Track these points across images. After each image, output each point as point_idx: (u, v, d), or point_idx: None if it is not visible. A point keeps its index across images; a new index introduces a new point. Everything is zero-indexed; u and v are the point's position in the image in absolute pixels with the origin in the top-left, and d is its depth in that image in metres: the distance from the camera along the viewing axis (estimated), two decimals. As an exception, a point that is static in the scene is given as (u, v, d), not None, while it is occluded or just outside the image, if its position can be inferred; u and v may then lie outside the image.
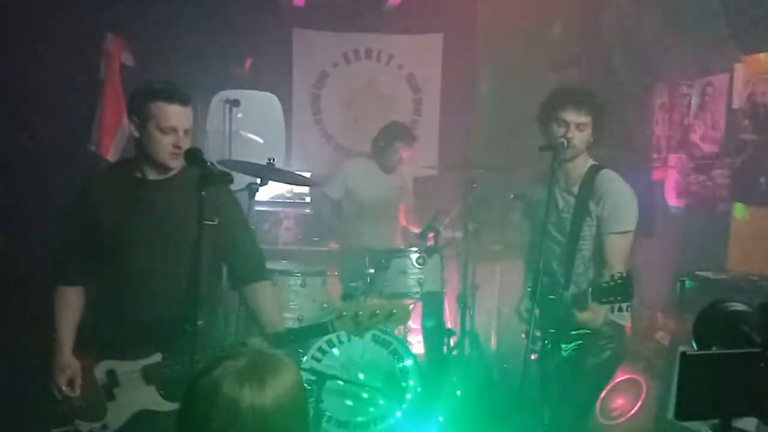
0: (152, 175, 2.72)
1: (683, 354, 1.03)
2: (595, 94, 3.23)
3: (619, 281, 2.76)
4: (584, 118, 3.10)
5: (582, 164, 3.22)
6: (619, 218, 3.10)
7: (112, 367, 2.69)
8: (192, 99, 2.72)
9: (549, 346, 3.10)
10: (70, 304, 2.77)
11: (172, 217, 2.67)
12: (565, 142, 3.09)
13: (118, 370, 2.69)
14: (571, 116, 3.09)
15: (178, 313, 2.59)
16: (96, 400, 2.69)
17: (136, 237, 2.68)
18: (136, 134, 2.68)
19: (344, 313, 2.68)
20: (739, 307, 1.22)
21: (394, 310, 2.71)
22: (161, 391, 2.66)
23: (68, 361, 2.71)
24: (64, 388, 2.67)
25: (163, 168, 2.71)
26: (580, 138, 3.12)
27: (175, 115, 2.63)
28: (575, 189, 3.19)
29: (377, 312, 2.68)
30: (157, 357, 2.66)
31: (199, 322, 2.57)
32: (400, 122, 5.28)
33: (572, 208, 3.18)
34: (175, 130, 2.63)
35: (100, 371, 2.70)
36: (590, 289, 2.86)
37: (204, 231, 2.52)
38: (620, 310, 2.92)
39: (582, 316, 2.95)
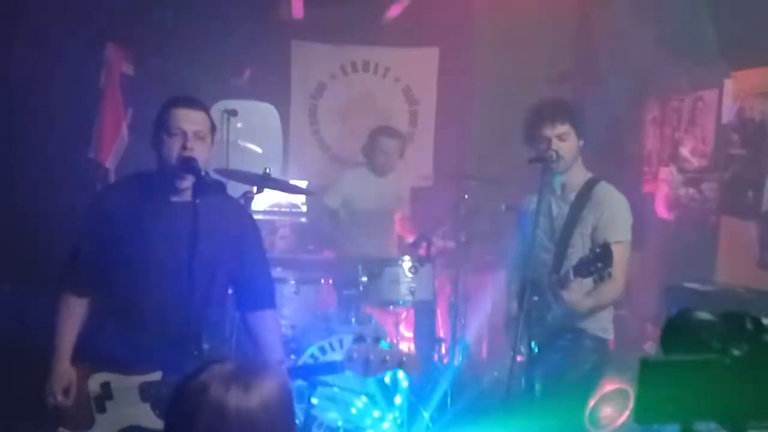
0: (174, 197, 2.65)
1: (642, 360, 1.09)
2: (565, 102, 3.31)
3: (597, 250, 2.85)
4: (562, 128, 3.17)
5: (579, 175, 3.30)
6: (616, 227, 3.17)
7: (108, 379, 2.64)
8: (204, 105, 2.69)
9: (535, 350, 3.14)
10: (74, 313, 2.71)
11: (190, 239, 2.55)
12: (554, 155, 3.16)
13: (113, 383, 2.63)
14: (548, 131, 3.17)
15: (185, 334, 2.55)
16: (85, 410, 2.64)
17: (150, 255, 2.62)
18: (155, 150, 2.64)
19: (354, 356, 2.67)
20: (704, 316, 1.27)
21: (404, 359, 2.74)
22: (156, 411, 2.59)
23: (66, 370, 2.65)
24: (59, 396, 2.62)
25: (173, 180, 2.61)
26: (566, 148, 3.19)
27: (182, 116, 2.58)
28: (572, 197, 3.27)
29: (387, 359, 2.69)
30: (156, 375, 2.61)
31: (205, 346, 2.62)
32: (386, 125, 5.31)
33: (565, 215, 3.25)
34: (183, 132, 2.56)
35: (94, 382, 2.64)
36: (572, 268, 2.95)
37: (220, 252, 2.55)
38: (602, 279, 2.90)
39: (567, 296, 3.00)
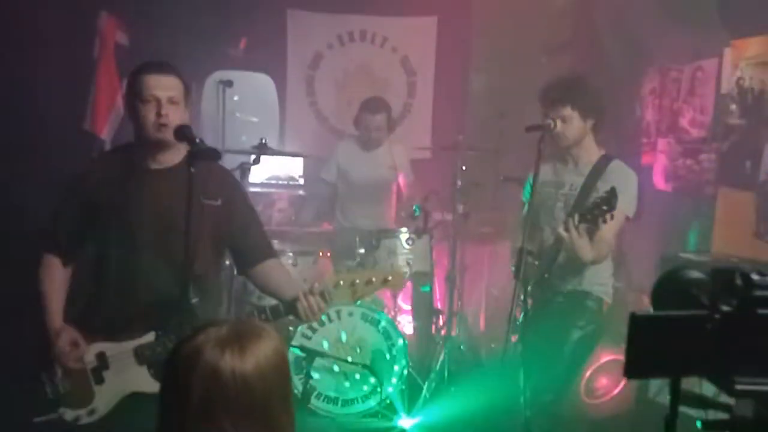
0: (154, 165, 2.68)
1: (632, 314, 1.09)
2: (572, 83, 3.34)
3: (603, 195, 2.96)
4: (563, 110, 3.28)
5: (592, 151, 3.41)
6: (624, 198, 3.19)
7: (102, 349, 2.64)
8: (176, 70, 2.66)
9: (532, 303, 3.20)
10: (56, 272, 2.72)
11: (171, 204, 2.61)
12: (551, 123, 3.27)
13: (108, 351, 2.64)
14: (552, 112, 3.29)
15: (174, 293, 2.57)
16: (83, 384, 2.63)
17: (133, 221, 2.65)
18: (128, 116, 2.67)
19: (341, 283, 2.68)
20: (695, 274, 1.27)
21: (390, 277, 2.74)
22: (152, 371, 2.61)
23: (64, 326, 2.65)
24: (67, 348, 2.60)
25: (153, 143, 2.64)
26: (569, 128, 3.30)
27: (154, 82, 2.58)
28: (586, 171, 3.37)
29: (373, 279, 2.70)
30: (150, 336, 2.63)
31: (194, 300, 2.60)
32: (377, 96, 5.23)
33: (580, 187, 3.34)
34: (156, 98, 2.57)
35: (89, 354, 2.63)
36: (576, 214, 3.04)
37: (206, 214, 2.54)
38: (596, 225, 3.02)
39: (568, 237, 3.05)
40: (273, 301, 2.81)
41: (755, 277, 1.13)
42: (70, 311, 2.72)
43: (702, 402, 1.20)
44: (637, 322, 1.10)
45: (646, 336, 1.11)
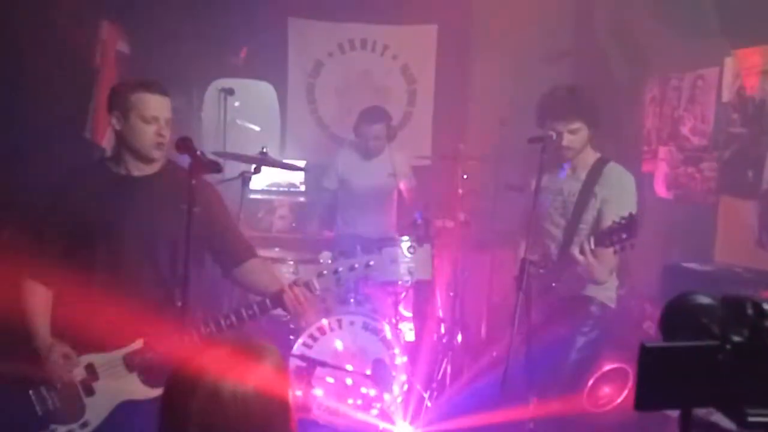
0: (136, 171, 2.75)
1: (642, 345, 1.08)
2: (580, 94, 3.34)
3: (623, 221, 2.91)
4: (575, 125, 3.28)
5: (589, 156, 3.41)
6: (627, 202, 3.22)
7: (91, 360, 2.65)
8: (169, 91, 2.75)
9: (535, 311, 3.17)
10: (39, 294, 2.72)
11: (156, 211, 2.68)
12: (554, 135, 3.26)
13: (97, 362, 2.65)
14: (561, 126, 3.27)
15: (160, 298, 2.61)
16: (73, 398, 2.63)
17: (117, 231, 2.68)
18: (118, 128, 2.70)
19: (324, 272, 2.74)
20: (704, 300, 1.26)
21: (371, 262, 2.79)
22: (143, 377, 2.63)
23: (54, 342, 2.64)
24: (60, 361, 2.60)
25: (147, 159, 2.73)
26: (577, 140, 3.31)
27: (157, 104, 2.68)
28: (583, 175, 3.37)
29: (356, 265, 2.76)
30: (138, 344, 2.64)
31: (178, 303, 2.59)
32: (377, 105, 5.24)
33: (578, 192, 3.34)
34: (156, 119, 2.67)
35: (77, 367, 2.64)
36: (592, 236, 3.02)
37: (188, 220, 2.53)
38: (623, 250, 2.96)
39: (584, 260, 3.03)
40: None
41: (767, 306, 1.12)
42: (55, 325, 2.70)
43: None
44: (647, 354, 1.09)
45: (656, 367, 1.11)
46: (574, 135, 3.29)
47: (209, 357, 1.49)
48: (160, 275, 2.66)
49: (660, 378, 1.11)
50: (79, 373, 2.64)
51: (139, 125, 2.66)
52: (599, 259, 3.04)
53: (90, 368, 2.65)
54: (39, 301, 2.72)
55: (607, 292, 3.40)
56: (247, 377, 1.47)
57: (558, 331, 3.31)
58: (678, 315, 1.26)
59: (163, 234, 2.66)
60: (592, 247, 3.00)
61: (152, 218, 2.69)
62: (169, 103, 2.73)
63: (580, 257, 3.02)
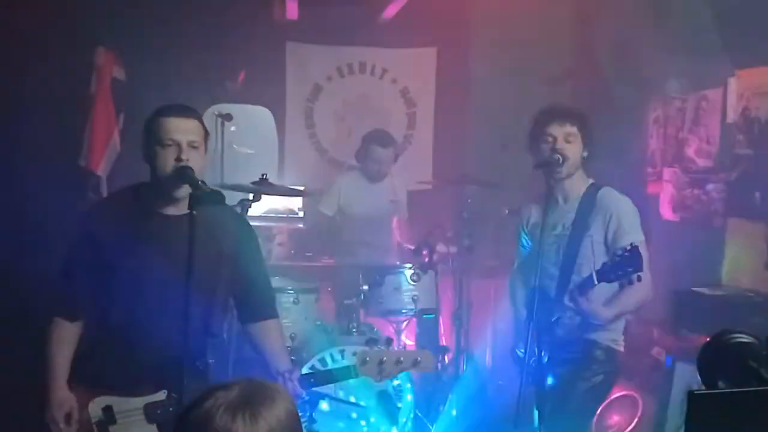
0: (169, 210, 2.58)
1: (691, 393, 1.00)
2: (577, 106, 3.28)
3: (625, 254, 2.76)
4: (570, 128, 3.15)
5: (581, 182, 3.25)
6: (630, 229, 3.10)
7: (110, 403, 2.53)
8: (197, 112, 2.61)
9: (545, 358, 3.04)
10: (66, 337, 2.59)
11: (185, 253, 2.43)
12: (560, 158, 3.10)
13: (116, 406, 2.53)
14: (557, 129, 3.14)
15: (188, 350, 2.43)
16: None
17: (146, 271, 2.54)
18: (149, 162, 2.56)
19: (368, 359, 2.64)
20: (745, 339, 1.19)
21: (419, 358, 2.70)
22: (161, 429, 2.52)
23: (65, 395, 2.54)
24: (61, 424, 2.50)
25: (171, 198, 2.54)
26: (571, 150, 3.15)
27: (174, 126, 2.50)
28: (575, 205, 3.20)
29: (401, 359, 2.66)
30: (161, 395, 2.53)
31: (210, 361, 2.53)
32: (380, 128, 5.21)
33: (571, 225, 3.18)
34: (176, 143, 2.48)
35: (95, 407, 2.53)
36: (594, 272, 2.87)
37: (221, 264, 2.48)
38: (630, 283, 2.82)
39: (587, 306, 2.93)
40: None
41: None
42: (78, 365, 2.61)
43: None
44: (696, 401, 1.01)
45: (706, 415, 1.02)
46: (568, 143, 3.13)
47: (219, 400, 1.44)
48: (190, 325, 2.43)
49: (710, 426, 1.02)
50: (95, 415, 2.53)
51: (158, 151, 2.49)
52: (599, 301, 2.93)
53: (108, 410, 2.53)
54: (63, 340, 2.59)
55: (611, 334, 3.20)
56: (258, 422, 1.42)
57: (561, 374, 3.14)
58: (720, 356, 1.18)
59: (192, 280, 2.41)
60: (595, 283, 2.87)
61: (181, 262, 2.41)
62: (193, 124, 2.54)
63: (583, 303, 2.93)
